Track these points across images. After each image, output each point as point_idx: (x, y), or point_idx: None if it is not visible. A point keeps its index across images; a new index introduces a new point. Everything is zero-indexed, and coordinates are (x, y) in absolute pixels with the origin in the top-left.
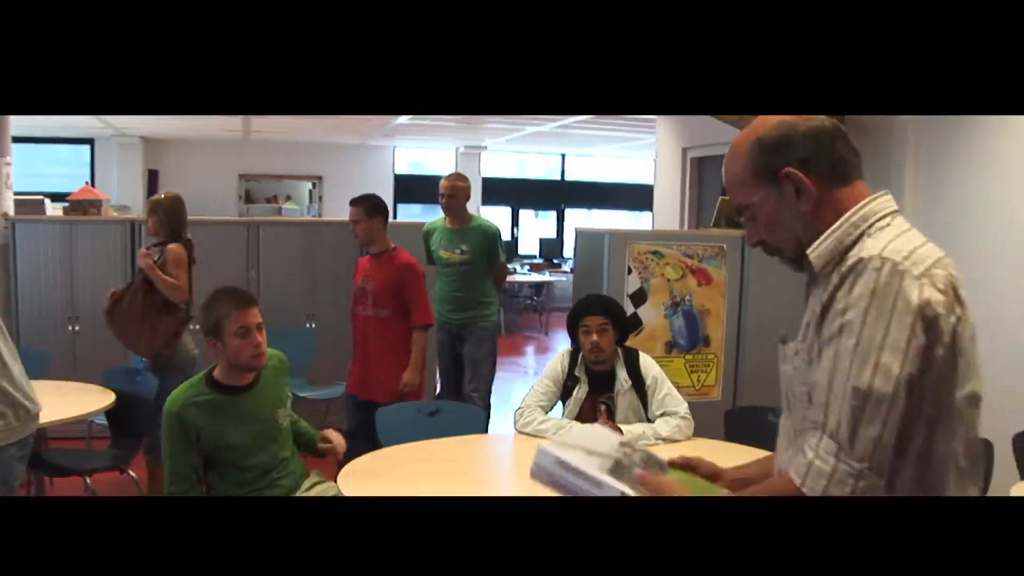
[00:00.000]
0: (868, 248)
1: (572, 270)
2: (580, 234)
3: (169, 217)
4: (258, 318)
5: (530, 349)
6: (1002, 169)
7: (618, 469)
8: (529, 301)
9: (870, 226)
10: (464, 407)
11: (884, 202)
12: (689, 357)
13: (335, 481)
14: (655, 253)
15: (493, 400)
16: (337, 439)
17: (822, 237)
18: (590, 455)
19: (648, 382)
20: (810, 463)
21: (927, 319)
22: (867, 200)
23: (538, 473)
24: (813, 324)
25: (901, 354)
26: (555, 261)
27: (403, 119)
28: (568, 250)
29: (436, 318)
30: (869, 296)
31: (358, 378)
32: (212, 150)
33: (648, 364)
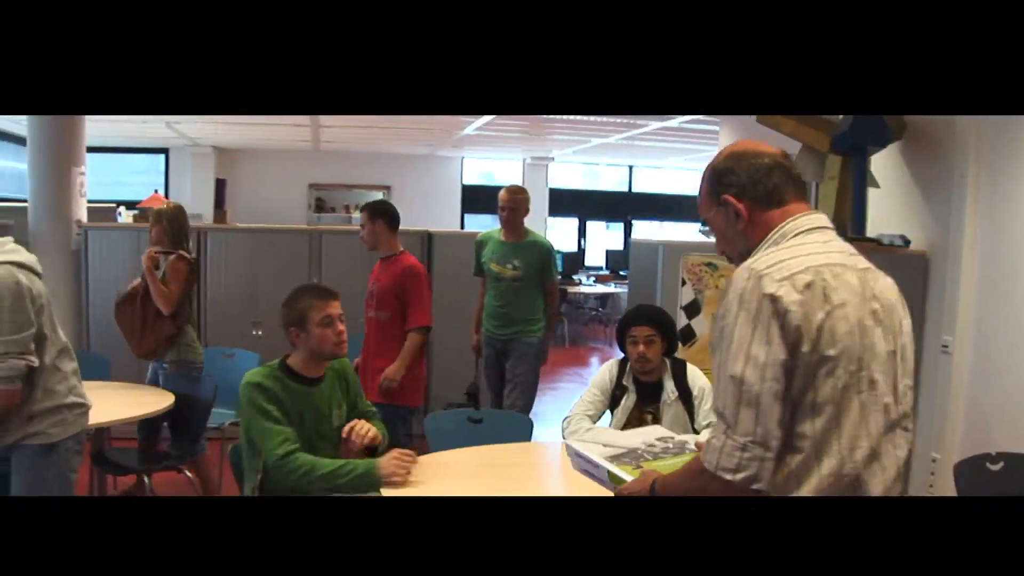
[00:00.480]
0: (747, 263)
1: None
2: (635, 245)
3: (172, 226)
4: (340, 310)
5: (595, 360)
6: None
7: (629, 456)
8: (594, 312)
9: (786, 242)
10: (511, 415)
11: (806, 220)
12: None
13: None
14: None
15: (554, 410)
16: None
17: (754, 253)
18: (605, 446)
19: (695, 393)
20: (709, 441)
21: (780, 314)
22: (790, 219)
23: (572, 464)
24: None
25: (766, 345)
26: (621, 273)
27: (470, 129)
28: None
29: (483, 332)
30: (738, 301)
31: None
32: (283, 160)
33: (696, 375)
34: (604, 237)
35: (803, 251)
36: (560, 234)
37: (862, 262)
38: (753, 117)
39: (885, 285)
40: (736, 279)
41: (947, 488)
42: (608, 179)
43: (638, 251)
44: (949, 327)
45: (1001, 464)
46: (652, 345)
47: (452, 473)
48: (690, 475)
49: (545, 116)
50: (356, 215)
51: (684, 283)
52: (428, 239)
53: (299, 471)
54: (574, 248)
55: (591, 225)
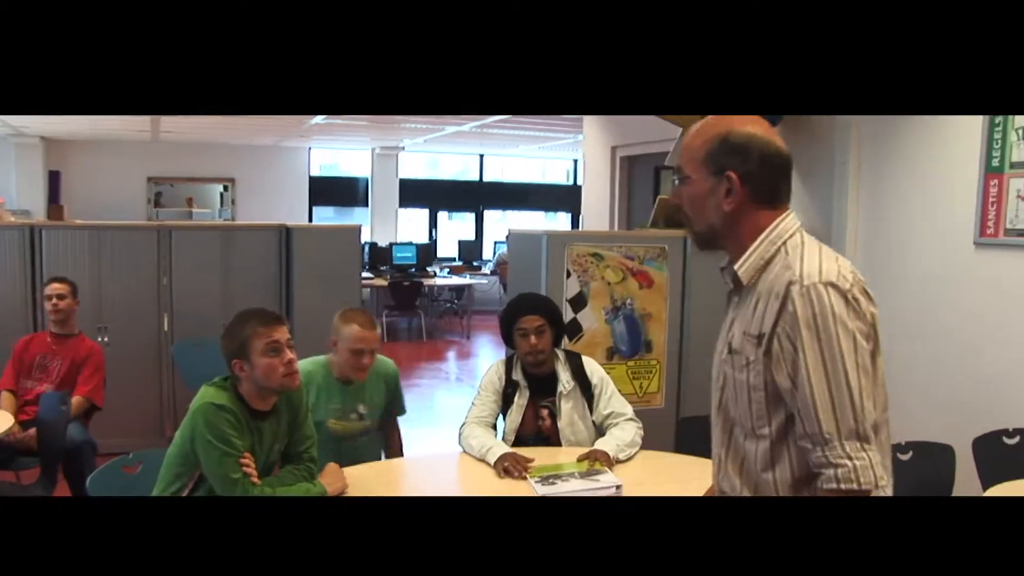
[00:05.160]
0: (808, 270)
1: (493, 272)
2: (514, 236)
3: None
4: (287, 335)
5: (451, 354)
6: (944, 167)
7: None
8: (449, 305)
9: (784, 243)
10: None
11: (792, 220)
12: (631, 363)
13: None
14: (595, 255)
15: (417, 409)
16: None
17: (747, 254)
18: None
19: (595, 382)
20: (853, 467)
21: (863, 322)
22: (780, 219)
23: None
24: (760, 338)
25: (859, 356)
26: (475, 263)
27: (318, 119)
28: (487, 252)
29: None
30: (830, 316)
31: None
32: (119, 151)
33: (593, 366)
34: (456, 227)
35: (832, 252)
36: (411, 225)
37: None
38: None
39: None
40: (814, 294)
41: None
42: (459, 168)
43: (517, 242)
44: None
45: (911, 453)
46: (542, 335)
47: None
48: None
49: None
50: (197, 210)
51: (569, 275)
52: (285, 234)
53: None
54: (426, 239)
55: (442, 216)
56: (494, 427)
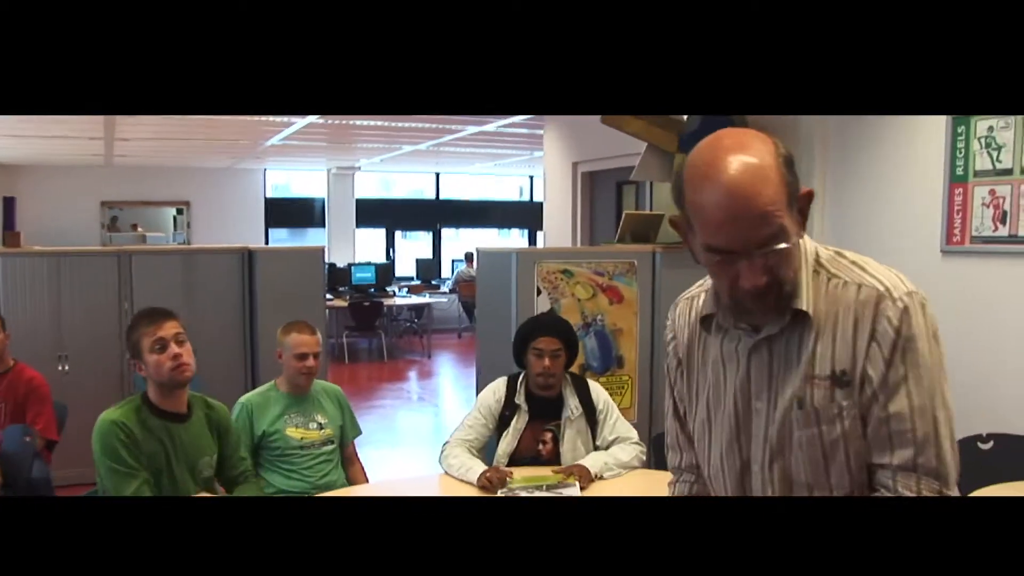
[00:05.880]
0: (890, 282)
1: (452, 290)
2: (483, 254)
3: None
4: (175, 329)
5: (413, 374)
6: (909, 178)
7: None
8: (409, 324)
9: (816, 260)
10: None
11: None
12: (603, 379)
13: None
14: (564, 272)
15: (379, 430)
16: None
17: (804, 285)
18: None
19: (600, 407)
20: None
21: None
22: (801, 234)
23: None
24: (840, 376)
25: (944, 379)
26: (433, 282)
27: (276, 139)
28: (446, 270)
29: None
30: (926, 337)
31: None
32: (72, 176)
33: (598, 391)
34: (412, 246)
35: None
36: (368, 245)
37: None
38: (579, 118)
39: None
40: (902, 307)
41: None
42: (415, 187)
43: (486, 260)
44: None
45: None
46: (558, 359)
47: None
48: None
49: (353, 124)
50: (151, 233)
51: (540, 292)
52: (248, 257)
53: None
54: (383, 259)
55: (399, 235)
56: (480, 450)
